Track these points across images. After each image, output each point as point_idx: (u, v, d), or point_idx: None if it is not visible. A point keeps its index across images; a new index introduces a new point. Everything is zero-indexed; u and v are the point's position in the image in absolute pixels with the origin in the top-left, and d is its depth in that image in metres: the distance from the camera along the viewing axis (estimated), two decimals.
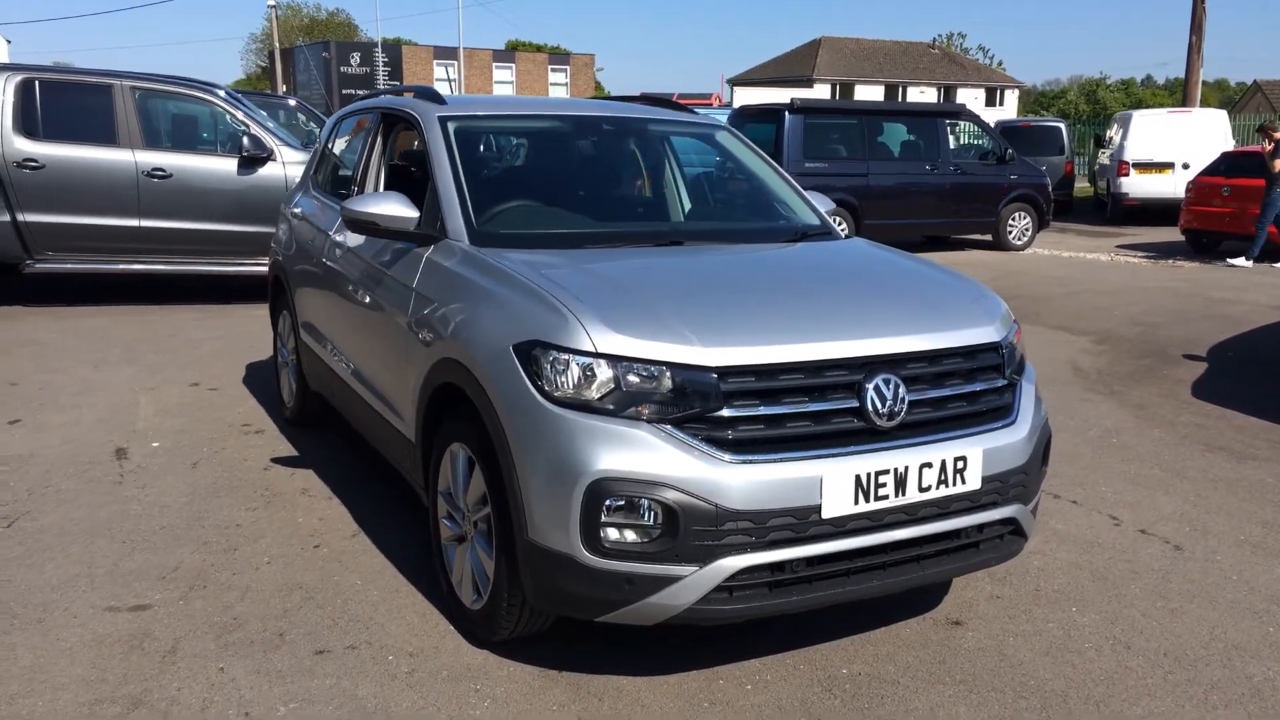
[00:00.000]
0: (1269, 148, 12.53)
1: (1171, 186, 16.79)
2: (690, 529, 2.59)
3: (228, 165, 8.66)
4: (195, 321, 8.19)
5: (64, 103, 8.45)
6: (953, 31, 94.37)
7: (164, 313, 8.53)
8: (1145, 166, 17.33)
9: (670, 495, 2.58)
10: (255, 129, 8.75)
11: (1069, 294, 10.56)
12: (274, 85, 42.29)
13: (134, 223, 8.45)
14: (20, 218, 8.22)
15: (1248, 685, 3.00)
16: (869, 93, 49.72)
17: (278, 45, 44.49)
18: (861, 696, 2.91)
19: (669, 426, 2.65)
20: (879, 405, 2.78)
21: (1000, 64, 64.01)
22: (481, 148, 4.37)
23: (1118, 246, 15.05)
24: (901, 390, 2.83)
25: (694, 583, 2.63)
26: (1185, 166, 16.73)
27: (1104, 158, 19.43)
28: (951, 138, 14.45)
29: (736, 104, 19.61)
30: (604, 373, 2.69)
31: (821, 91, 45.09)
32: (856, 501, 2.71)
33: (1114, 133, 18.66)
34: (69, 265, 8.54)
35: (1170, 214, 15.68)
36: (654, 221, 4.31)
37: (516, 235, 3.59)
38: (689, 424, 2.66)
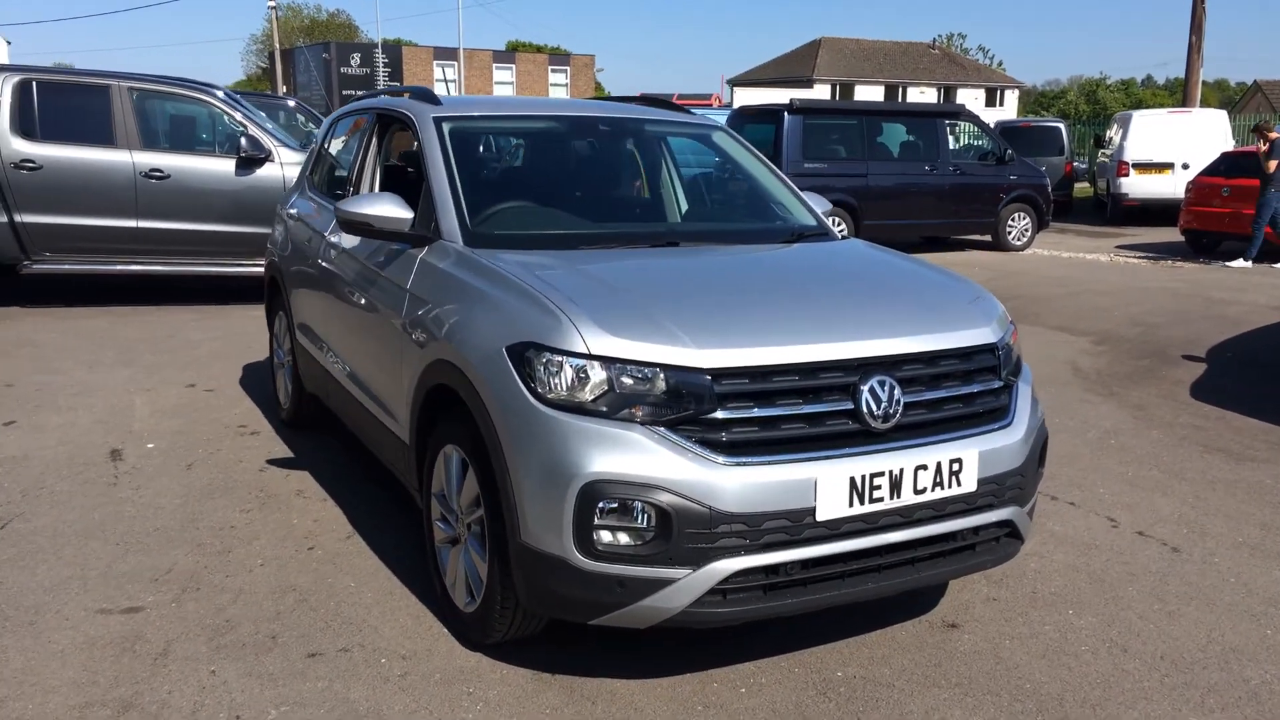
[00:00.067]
0: (1264, 148, 12.53)
1: (1171, 187, 16.78)
2: (684, 531, 2.58)
3: (225, 166, 8.65)
4: (193, 322, 8.18)
5: (61, 103, 8.44)
6: (953, 32, 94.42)
7: (162, 314, 8.52)
8: (1145, 167, 17.32)
9: (664, 498, 2.57)
10: (253, 129, 8.74)
11: (1068, 294, 10.55)
12: (274, 86, 42.31)
13: (131, 224, 8.44)
14: (18, 219, 8.21)
15: (1245, 688, 2.98)
16: (869, 93, 49.70)
17: (278, 46, 44.49)
18: (856, 700, 2.89)
19: (662, 428, 2.63)
20: (874, 407, 2.77)
21: (1000, 64, 64.03)
22: (476, 148, 4.35)
23: (1117, 247, 15.03)
24: (897, 392, 2.81)
25: (688, 585, 2.61)
26: (1185, 167, 16.73)
27: (1103, 157, 19.41)
28: (951, 138, 14.43)
29: (736, 105, 19.59)
30: (597, 374, 2.68)
31: (822, 92, 45.06)
32: (851, 504, 2.70)
33: (1114, 133, 18.65)
34: (66, 266, 8.53)
35: (1170, 214, 15.67)
36: (649, 222, 4.30)
37: (511, 236, 3.58)
38: (683, 426, 2.64)
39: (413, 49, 45.63)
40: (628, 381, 2.67)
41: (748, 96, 28.64)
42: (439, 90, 4.28)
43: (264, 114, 10.00)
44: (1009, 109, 53.80)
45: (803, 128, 12.90)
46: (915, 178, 13.61)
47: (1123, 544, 4.03)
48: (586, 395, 2.67)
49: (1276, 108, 41.94)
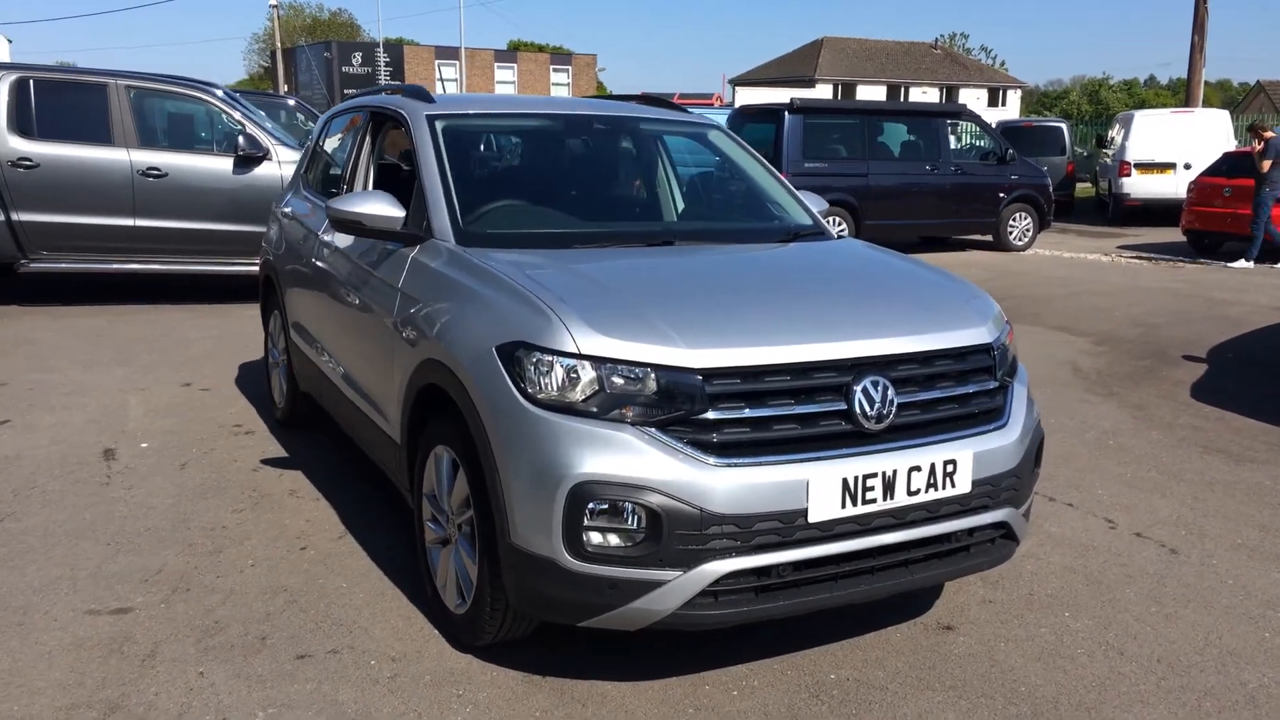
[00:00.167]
0: (1258, 147, 12.50)
1: (1173, 187, 16.73)
2: (674, 533, 2.55)
3: (223, 164, 8.63)
4: (190, 321, 8.16)
5: (59, 102, 8.43)
6: (955, 32, 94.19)
7: (159, 312, 8.50)
8: (1147, 167, 17.27)
9: (654, 499, 2.54)
10: (251, 128, 8.72)
11: (1069, 295, 10.51)
12: (275, 85, 42.29)
13: (129, 222, 8.42)
14: (15, 217, 8.20)
15: (1242, 692, 2.96)
16: (871, 93, 49.62)
17: (279, 45, 44.47)
18: (849, 702, 2.87)
19: (653, 429, 2.61)
20: (867, 408, 2.74)
21: (1003, 64, 63.88)
22: (470, 147, 4.33)
23: (1119, 247, 14.99)
24: (890, 392, 2.78)
25: (678, 587, 2.58)
26: (1187, 167, 16.68)
27: (1104, 158, 19.37)
28: (952, 138, 14.40)
29: (738, 104, 19.56)
30: (587, 374, 2.65)
31: (824, 92, 45.01)
32: (844, 505, 2.67)
33: (1116, 133, 18.60)
34: (64, 265, 8.51)
35: (1172, 214, 15.61)
36: (644, 221, 4.27)
37: (503, 235, 3.55)
38: (673, 426, 2.62)
39: (415, 48, 45.61)
40: (618, 381, 2.64)
41: (749, 96, 28.61)
42: (437, 89, 4.24)
43: (263, 113, 9.98)
44: (1011, 109, 53.69)
45: (803, 127, 12.86)
46: (916, 177, 13.56)
47: (1120, 545, 4.00)
48: (577, 395, 2.65)
49: (1279, 108, 41.84)
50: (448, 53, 44.06)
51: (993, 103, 52.63)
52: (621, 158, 4.57)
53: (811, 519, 2.63)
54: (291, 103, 17.38)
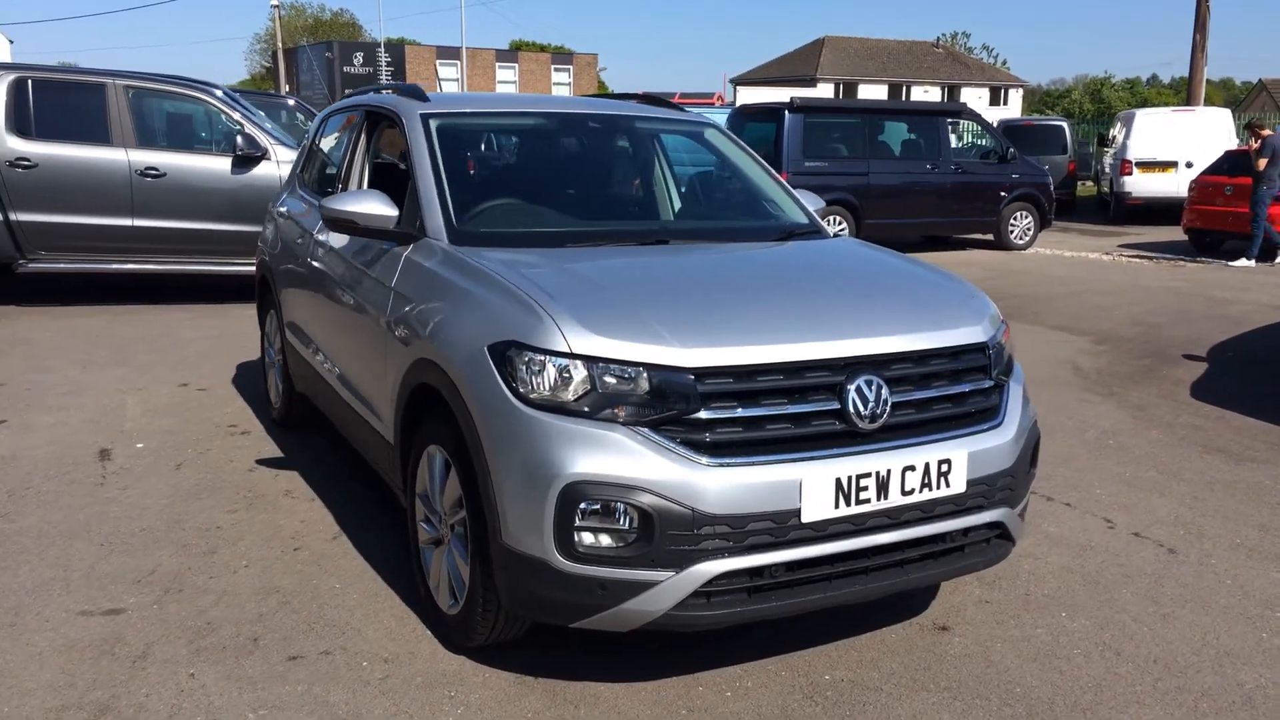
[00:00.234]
0: (1255, 145, 12.47)
1: (1175, 185, 16.69)
2: (666, 533, 2.53)
3: (222, 164, 8.62)
4: (188, 321, 8.15)
5: (57, 102, 8.42)
6: (957, 31, 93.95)
7: (157, 312, 8.49)
8: (1148, 165, 17.24)
9: (646, 499, 2.53)
10: (250, 128, 8.71)
11: (1070, 294, 10.49)
12: (277, 85, 42.31)
13: (127, 222, 8.41)
14: (13, 217, 8.19)
15: (1239, 693, 2.94)
16: (873, 92, 49.53)
17: (281, 45, 44.48)
18: (843, 703, 2.85)
19: (645, 429, 2.59)
20: (860, 407, 2.72)
21: (1005, 63, 63.77)
22: (464, 145, 4.31)
23: (1120, 246, 14.96)
24: (884, 391, 2.76)
25: (670, 588, 2.57)
26: (1189, 165, 16.64)
27: (1107, 157, 19.33)
28: (953, 136, 14.37)
29: (739, 104, 19.54)
30: (579, 374, 2.63)
31: (825, 91, 44.95)
32: (837, 505, 2.65)
33: (1117, 131, 18.57)
34: (62, 265, 8.50)
35: (1173, 213, 15.58)
36: (639, 220, 4.25)
37: (497, 234, 3.54)
38: (666, 426, 2.60)
39: (416, 48, 45.58)
40: (610, 381, 2.63)
41: (751, 95, 28.56)
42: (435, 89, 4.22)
43: (263, 113, 9.97)
44: (1013, 108, 53.58)
45: (803, 126, 12.85)
46: (917, 176, 13.54)
47: (1118, 545, 3.98)
48: (568, 395, 2.63)
49: None
50: (449, 52, 44.05)
51: (994, 102, 52.53)
52: (617, 156, 4.56)
53: (805, 519, 2.62)
54: (291, 103, 17.37)
